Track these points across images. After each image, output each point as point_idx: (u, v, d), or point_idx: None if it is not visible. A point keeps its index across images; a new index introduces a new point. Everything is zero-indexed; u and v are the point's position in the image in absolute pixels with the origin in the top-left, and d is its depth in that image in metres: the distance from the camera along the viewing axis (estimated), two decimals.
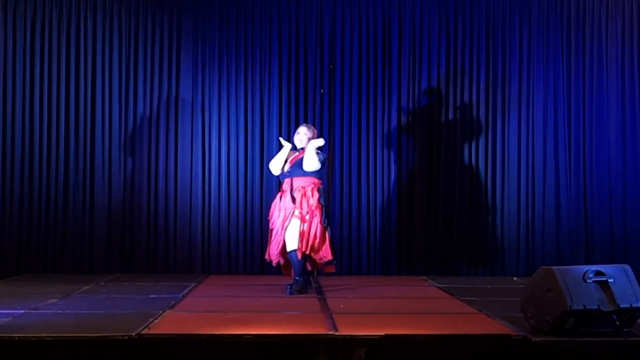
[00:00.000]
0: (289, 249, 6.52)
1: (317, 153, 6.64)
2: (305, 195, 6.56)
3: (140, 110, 8.16)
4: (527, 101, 8.26)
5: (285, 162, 6.75)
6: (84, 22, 8.14)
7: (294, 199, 6.54)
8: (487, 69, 8.28)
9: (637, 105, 8.26)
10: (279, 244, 6.59)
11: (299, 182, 6.61)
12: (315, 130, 6.95)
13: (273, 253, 6.68)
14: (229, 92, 8.19)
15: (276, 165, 6.78)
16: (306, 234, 6.48)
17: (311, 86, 8.22)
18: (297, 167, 6.65)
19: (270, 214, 6.80)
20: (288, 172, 6.68)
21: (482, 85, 8.27)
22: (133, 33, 8.18)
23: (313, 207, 6.54)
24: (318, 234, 6.54)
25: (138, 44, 8.18)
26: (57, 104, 8.11)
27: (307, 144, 6.66)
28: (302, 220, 6.49)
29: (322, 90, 8.23)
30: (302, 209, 6.51)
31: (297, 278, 6.57)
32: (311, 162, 6.57)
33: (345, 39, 8.25)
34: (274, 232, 6.67)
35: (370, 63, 8.26)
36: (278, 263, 6.77)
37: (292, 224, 6.51)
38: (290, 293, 6.48)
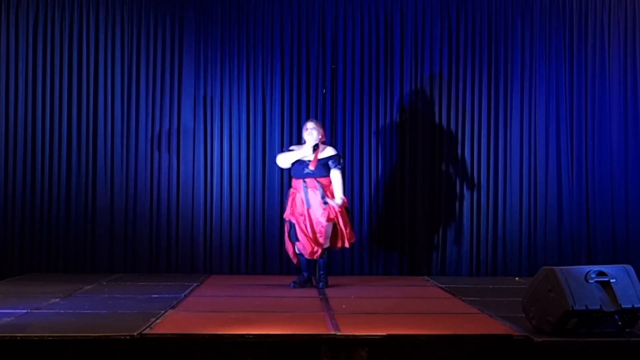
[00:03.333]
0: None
1: (335, 159, 6.94)
2: (332, 198, 6.84)
3: (142, 109, 8.16)
4: (530, 101, 8.26)
5: (299, 160, 6.93)
6: (86, 21, 8.14)
7: (326, 203, 6.78)
8: (489, 69, 8.27)
9: (639, 105, 8.25)
10: (311, 236, 6.78)
11: (323, 182, 6.86)
12: (322, 127, 7.14)
13: (307, 246, 6.84)
14: (231, 91, 8.20)
15: (287, 162, 7.00)
16: (341, 231, 6.87)
17: (313, 86, 8.22)
18: (321, 168, 6.87)
19: (291, 210, 6.88)
20: (312, 172, 6.85)
21: (484, 85, 8.26)
22: (135, 33, 8.19)
23: (338, 206, 6.85)
24: (343, 224, 6.88)
25: (140, 44, 8.19)
26: (59, 103, 8.12)
27: (319, 144, 6.91)
28: (336, 220, 6.82)
29: (324, 91, 8.23)
30: (332, 210, 6.79)
31: (304, 273, 6.90)
32: (339, 182, 6.91)
33: (347, 39, 8.25)
34: (306, 226, 6.80)
35: (373, 63, 8.26)
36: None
37: (330, 228, 6.82)
38: (294, 287, 6.80)
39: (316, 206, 6.79)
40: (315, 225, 6.78)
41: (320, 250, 6.82)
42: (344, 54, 8.24)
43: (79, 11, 8.15)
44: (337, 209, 6.79)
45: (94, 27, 8.15)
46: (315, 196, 6.80)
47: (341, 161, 7.02)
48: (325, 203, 6.76)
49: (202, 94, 8.19)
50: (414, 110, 8.25)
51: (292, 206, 6.88)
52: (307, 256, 6.84)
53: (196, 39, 8.21)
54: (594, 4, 8.32)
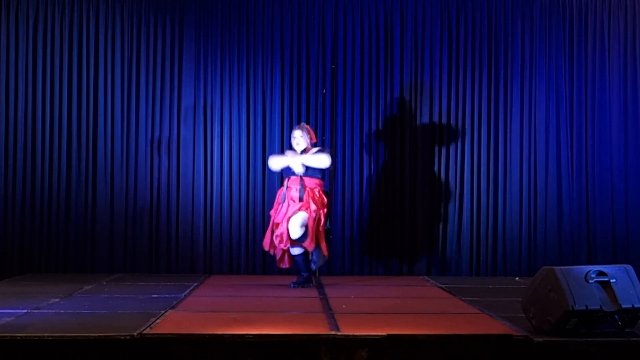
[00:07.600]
0: (297, 241, 6.73)
1: (320, 151, 6.91)
2: (314, 197, 6.78)
3: (142, 110, 8.17)
4: (529, 101, 8.26)
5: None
6: (86, 22, 8.14)
7: (301, 199, 6.73)
8: (489, 69, 8.27)
9: (639, 105, 8.25)
10: (281, 234, 6.74)
11: (307, 182, 6.82)
12: (311, 129, 7.10)
13: (267, 242, 6.93)
14: (231, 92, 8.20)
15: (277, 165, 7.03)
16: (313, 232, 6.75)
17: (313, 86, 8.23)
18: (311, 168, 6.84)
19: (276, 209, 6.92)
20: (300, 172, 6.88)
21: (484, 85, 8.27)
22: (135, 34, 8.19)
23: (321, 209, 6.80)
24: (320, 234, 6.84)
25: (140, 45, 8.19)
26: (59, 104, 8.12)
27: (307, 147, 6.91)
28: (310, 217, 6.71)
29: (324, 91, 8.23)
30: (311, 207, 6.72)
31: (303, 274, 6.86)
32: (323, 160, 6.80)
33: (347, 39, 8.25)
34: (274, 224, 6.85)
35: (373, 63, 8.27)
36: (279, 254, 6.93)
37: (301, 218, 6.68)
38: (294, 286, 6.78)
39: (291, 201, 6.76)
40: (284, 219, 6.70)
41: (286, 245, 6.75)
42: (344, 54, 8.24)
43: (79, 11, 8.15)
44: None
45: (94, 27, 8.15)
46: (295, 194, 6.77)
47: (326, 149, 6.99)
48: (301, 199, 6.71)
49: (202, 94, 8.19)
50: (414, 110, 8.25)
51: (276, 203, 6.99)
52: (265, 247, 6.96)
53: (196, 39, 8.21)
54: (594, 4, 8.32)
